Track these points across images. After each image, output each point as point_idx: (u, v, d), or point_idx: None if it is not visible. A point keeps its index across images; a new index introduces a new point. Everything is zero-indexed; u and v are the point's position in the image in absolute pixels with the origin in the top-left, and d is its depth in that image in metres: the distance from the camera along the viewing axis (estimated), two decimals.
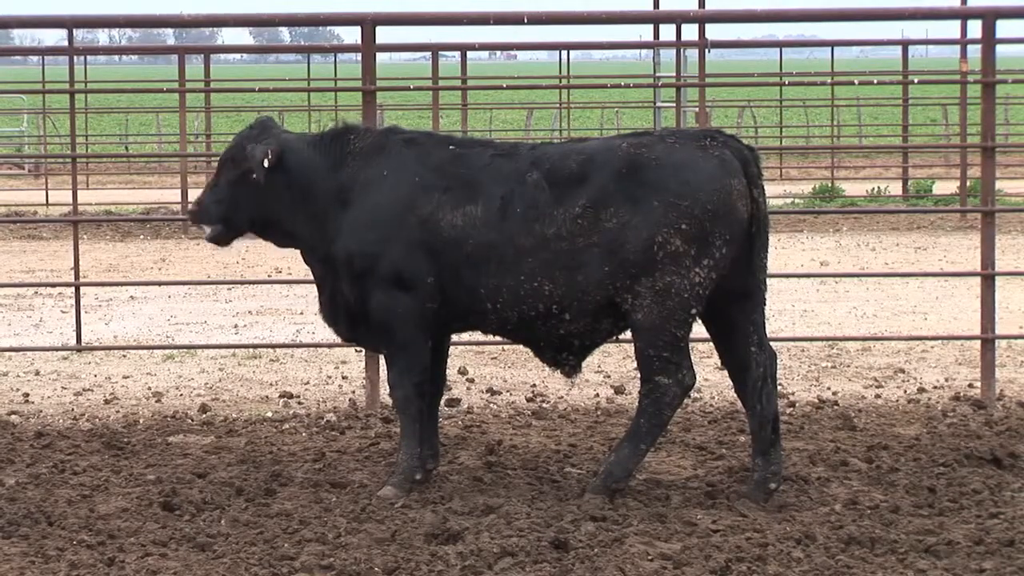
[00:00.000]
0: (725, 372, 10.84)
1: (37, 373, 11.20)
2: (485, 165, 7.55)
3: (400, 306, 7.53)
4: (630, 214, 7.27)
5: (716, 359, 11.32)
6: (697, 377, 7.48)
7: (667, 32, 20.40)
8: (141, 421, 9.52)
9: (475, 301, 7.47)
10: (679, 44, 19.30)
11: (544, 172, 7.45)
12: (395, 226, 7.53)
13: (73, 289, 11.06)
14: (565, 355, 7.60)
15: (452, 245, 7.46)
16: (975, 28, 11.52)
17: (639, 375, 7.45)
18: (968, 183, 21.72)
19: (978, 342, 10.10)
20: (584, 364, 7.71)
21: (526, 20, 9.84)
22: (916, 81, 30.14)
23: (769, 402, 7.46)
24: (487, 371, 10.89)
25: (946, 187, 24.37)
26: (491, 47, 24.32)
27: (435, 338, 7.65)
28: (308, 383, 10.75)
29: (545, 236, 7.37)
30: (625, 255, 7.26)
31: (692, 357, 7.44)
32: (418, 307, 7.51)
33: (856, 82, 19.19)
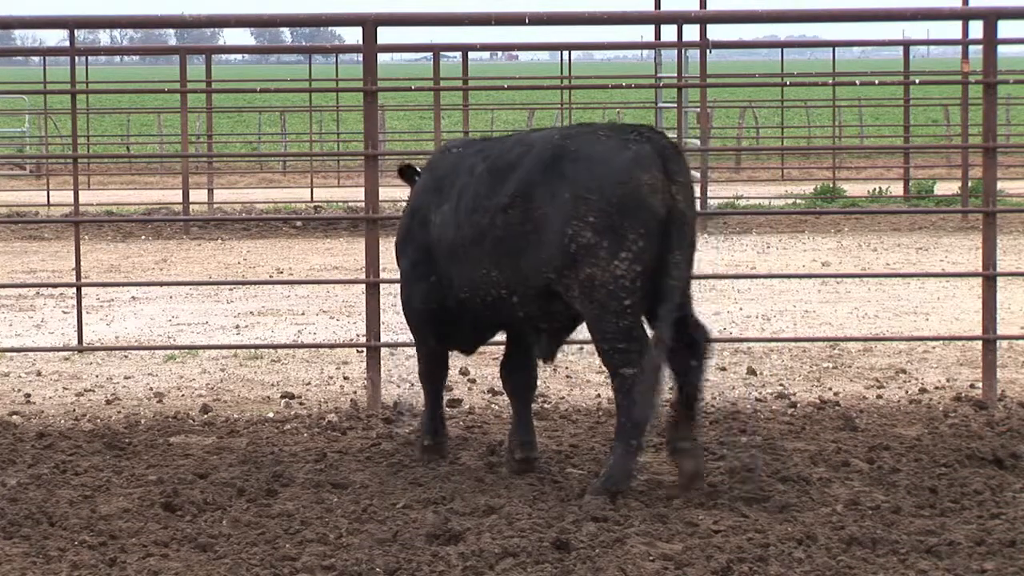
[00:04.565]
0: (725, 372, 10.94)
1: (39, 373, 11.21)
2: (457, 162, 7.93)
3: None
4: (549, 206, 7.42)
5: (716, 359, 11.38)
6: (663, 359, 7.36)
7: (669, 33, 20.41)
8: (143, 422, 9.52)
9: (457, 290, 7.83)
10: (681, 45, 19.32)
11: (488, 164, 7.73)
12: (407, 230, 8.12)
13: (75, 289, 11.07)
14: (535, 338, 7.83)
15: (436, 243, 7.89)
16: (976, 29, 11.53)
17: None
18: (969, 184, 21.72)
19: (979, 343, 10.10)
20: (573, 355, 7.76)
21: (527, 20, 9.84)
22: (917, 82, 30.14)
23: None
24: (488, 372, 10.89)
25: (947, 188, 24.37)
26: (492, 47, 24.33)
27: (482, 331, 8.11)
28: (310, 384, 10.75)
29: (483, 225, 7.63)
30: (547, 246, 7.40)
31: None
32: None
33: (857, 82, 19.16)
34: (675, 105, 21.04)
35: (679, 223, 7.31)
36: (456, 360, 8.87)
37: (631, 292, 7.26)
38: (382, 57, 11.20)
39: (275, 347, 11.97)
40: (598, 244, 7.26)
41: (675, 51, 20.21)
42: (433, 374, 8.33)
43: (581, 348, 10.65)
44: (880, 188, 25.21)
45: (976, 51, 13.36)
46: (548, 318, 7.66)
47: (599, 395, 10.15)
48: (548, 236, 7.38)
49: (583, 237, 7.28)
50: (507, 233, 7.52)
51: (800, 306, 14.14)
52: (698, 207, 21.18)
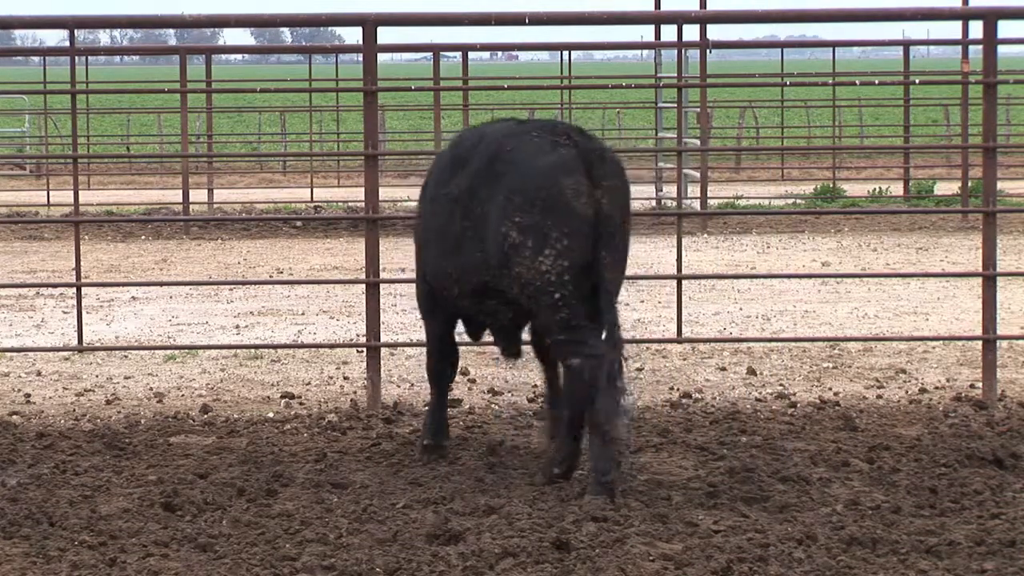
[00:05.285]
0: (725, 372, 10.94)
1: (38, 374, 11.21)
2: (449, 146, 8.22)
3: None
4: (487, 203, 7.60)
5: (717, 359, 11.39)
6: (603, 350, 7.48)
7: (669, 33, 20.39)
8: (142, 422, 9.52)
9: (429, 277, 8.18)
10: (681, 45, 19.29)
11: (453, 155, 7.93)
12: (418, 213, 8.37)
13: (75, 289, 11.06)
14: (495, 334, 8.11)
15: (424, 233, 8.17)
16: (976, 29, 11.53)
17: None
18: (969, 184, 21.72)
19: (979, 343, 10.10)
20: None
21: (527, 20, 9.84)
22: (917, 82, 30.13)
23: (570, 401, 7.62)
24: (489, 372, 10.89)
25: (947, 188, 24.37)
26: (492, 47, 24.33)
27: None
28: (309, 384, 10.75)
29: (439, 216, 7.85)
30: (484, 242, 7.60)
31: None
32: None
33: (857, 82, 19.15)
34: (675, 105, 21.01)
35: (606, 224, 7.45)
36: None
37: (559, 286, 7.43)
38: (382, 57, 11.20)
39: (275, 347, 11.97)
40: (523, 244, 7.45)
41: (675, 51, 20.19)
42: (440, 372, 8.40)
43: None
44: (880, 188, 25.21)
45: (976, 51, 13.37)
46: (495, 315, 7.92)
47: None
48: (485, 233, 7.59)
49: (511, 237, 7.47)
50: (453, 227, 7.76)
51: (800, 306, 14.14)
52: (699, 207, 21.13)
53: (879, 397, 10.09)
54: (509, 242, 7.47)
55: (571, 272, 7.42)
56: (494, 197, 7.56)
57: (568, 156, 7.50)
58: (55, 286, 15.63)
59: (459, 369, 8.76)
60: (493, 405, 9.88)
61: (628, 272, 8.00)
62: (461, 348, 8.48)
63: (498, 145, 7.68)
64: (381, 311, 10.09)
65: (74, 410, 9.97)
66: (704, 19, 11.98)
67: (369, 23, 9.63)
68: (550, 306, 7.46)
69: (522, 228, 7.45)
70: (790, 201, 24.02)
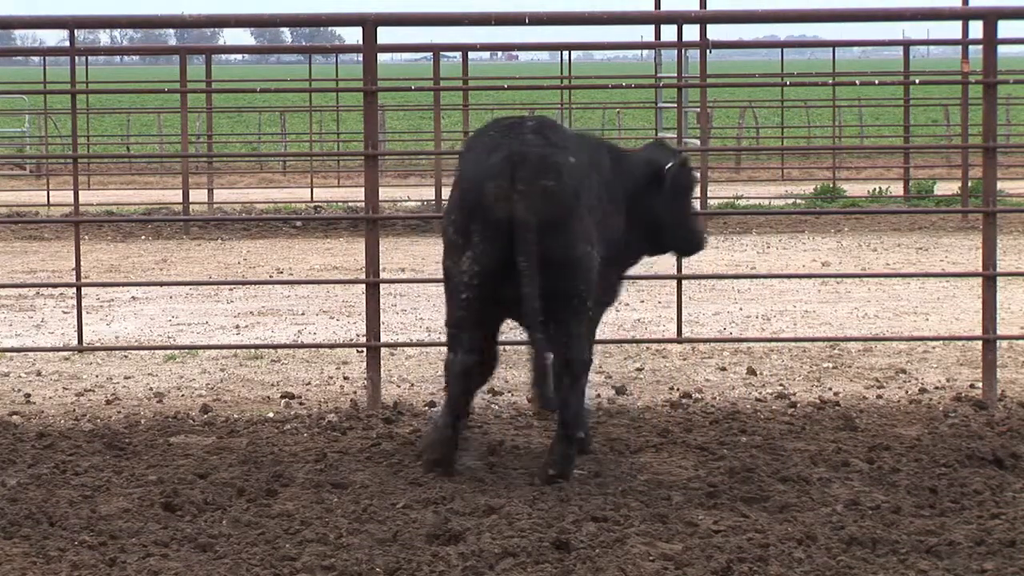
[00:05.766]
0: (725, 372, 10.94)
1: (38, 374, 11.21)
2: None
3: None
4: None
5: (717, 359, 11.40)
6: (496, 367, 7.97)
7: (668, 33, 20.36)
8: (142, 422, 9.52)
9: None
10: (680, 45, 19.26)
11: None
12: None
13: (75, 289, 11.06)
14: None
15: None
16: (976, 29, 11.52)
17: None
18: (969, 184, 21.72)
19: (979, 343, 10.10)
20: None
21: (527, 20, 9.84)
22: (917, 82, 30.12)
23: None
24: None
25: (947, 188, 24.37)
26: (492, 47, 24.29)
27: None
28: (309, 384, 10.75)
29: None
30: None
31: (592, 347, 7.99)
32: None
33: (857, 83, 19.16)
34: (675, 105, 20.94)
35: (519, 229, 7.51)
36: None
37: (468, 288, 7.62)
38: (382, 57, 11.20)
39: (275, 347, 11.97)
40: (455, 242, 7.69)
41: (675, 51, 20.17)
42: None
43: None
44: (880, 188, 25.21)
45: (976, 51, 13.36)
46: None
47: (599, 395, 10.15)
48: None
49: (449, 232, 7.75)
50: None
51: (800, 306, 14.14)
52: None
53: (879, 397, 10.10)
54: (448, 237, 7.75)
55: (481, 277, 7.57)
56: (452, 195, 7.93)
57: (496, 159, 7.61)
58: (55, 286, 15.63)
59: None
60: (493, 405, 9.88)
61: (628, 272, 8.00)
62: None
63: (464, 144, 7.95)
64: (381, 311, 10.09)
65: (74, 410, 9.97)
66: (704, 19, 11.97)
67: (369, 23, 9.64)
68: (457, 303, 7.71)
69: (457, 228, 7.69)
70: (790, 201, 24.02)
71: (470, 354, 7.74)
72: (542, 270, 7.49)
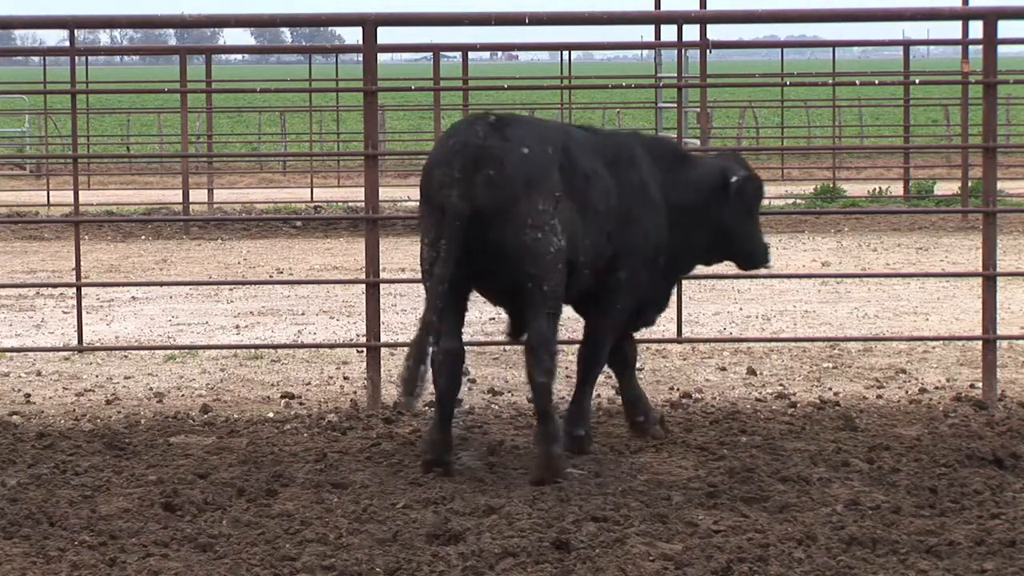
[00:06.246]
0: (725, 372, 10.94)
1: (39, 374, 11.21)
2: None
3: None
4: None
5: (716, 359, 11.39)
6: (461, 349, 7.90)
7: (668, 33, 20.36)
8: (142, 422, 9.52)
9: None
10: (681, 45, 19.26)
11: None
12: None
13: (75, 289, 11.06)
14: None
15: None
16: (976, 29, 11.52)
17: None
18: (969, 184, 21.72)
19: (979, 343, 10.10)
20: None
21: (527, 20, 9.84)
22: (917, 82, 30.13)
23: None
24: (489, 372, 10.89)
25: (947, 188, 24.37)
26: (492, 48, 24.31)
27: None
28: (309, 384, 10.75)
29: None
30: None
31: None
32: None
33: (857, 83, 19.19)
34: (675, 105, 20.94)
35: (448, 213, 7.67)
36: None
37: (426, 274, 7.77)
38: (382, 57, 11.20)
39: (275, 347, 11.97)
40: (421, 230, 7.89)
41: (675, 51, 20.17)
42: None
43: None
44: (880, 188, 25.21)
45: (976, 51, 13.36)
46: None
47: (599, 395, 10.14)
48: None
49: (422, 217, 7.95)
50: None
51: (800, 306, 14.14)
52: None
53: (879, 397, 10.09)
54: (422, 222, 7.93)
55: (430, 262, 7.72)
56: None
57: (446, 148, 7.79)
58: (55, 286, 15.63)
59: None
60: (493, 405, 9.88)
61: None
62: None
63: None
64: (381, 311, 10.09)
65: (74, 410, 9.97)
66: (704, 19, 11.98)
67: (369, 23, 9.64)
68: (428, 287, 7.76)
69: (422, 212, 7.88)
70: (790, 201, 24.01)
71: (449, 339, 7.83)
72: (494, 258, 7.69)
